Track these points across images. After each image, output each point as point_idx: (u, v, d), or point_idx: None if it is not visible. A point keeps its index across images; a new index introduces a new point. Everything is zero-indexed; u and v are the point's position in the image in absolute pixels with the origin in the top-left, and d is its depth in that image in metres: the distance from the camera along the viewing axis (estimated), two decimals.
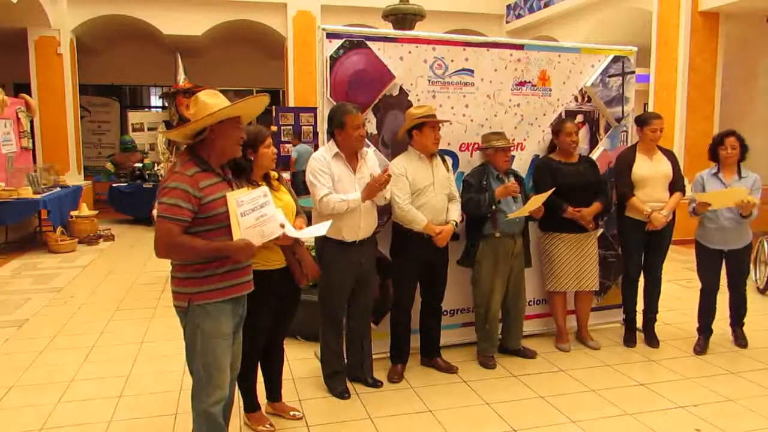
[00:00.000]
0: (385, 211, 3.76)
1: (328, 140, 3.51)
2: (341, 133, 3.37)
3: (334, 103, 3.69)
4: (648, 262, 4.37)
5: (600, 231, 4.39)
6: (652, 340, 4.41)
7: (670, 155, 4.33)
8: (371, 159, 3.59)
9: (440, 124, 3.73)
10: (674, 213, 4.29)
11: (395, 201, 3.60)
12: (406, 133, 3.70)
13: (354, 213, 3.38)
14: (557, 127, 4.26)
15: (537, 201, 3.85)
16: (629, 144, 4.65)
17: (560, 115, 4.44)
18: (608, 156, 4.52)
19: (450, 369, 3.91)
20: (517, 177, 4.03)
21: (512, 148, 4.08)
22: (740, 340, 4.39)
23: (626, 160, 4.28)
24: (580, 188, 4.13)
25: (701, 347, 4.29)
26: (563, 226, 4.18)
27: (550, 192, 3.90)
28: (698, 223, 4.29)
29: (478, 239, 3.91)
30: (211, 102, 2.41)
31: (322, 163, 3.38)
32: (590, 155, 4.49)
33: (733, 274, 4.30)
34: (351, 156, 3.44)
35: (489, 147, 3.93)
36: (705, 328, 4.36)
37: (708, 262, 4.27)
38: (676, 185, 4.25)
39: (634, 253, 4.34)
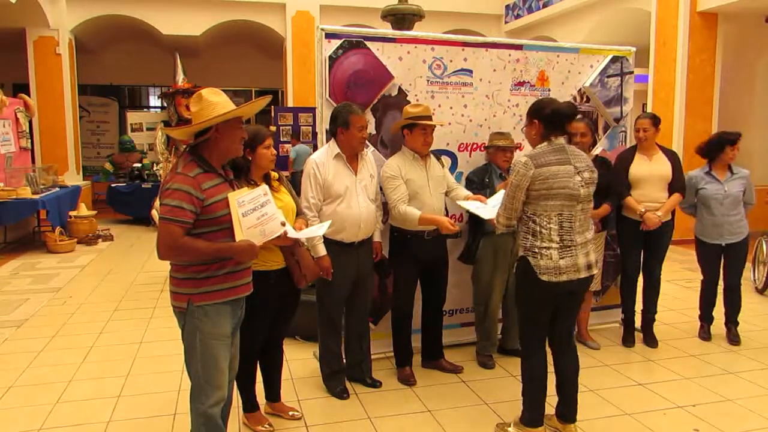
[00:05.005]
0: (386, 212, 3.76)
1: (329, 140, 3.51)
2: (345, 133, 3.37)
3: (334, 104, 3.69)
4: (646, 262, 4.38)
5: (604, 233, 4.37)
6: (650, 340, 4.41)
7: (671, 156, 4.32)
8: (371, 160, 3.59)
9: (433, 127, 3.62)
10: (673, 214, 4.30)
11: (391, 204, 3.55)
12: (399, 131, 3.68)
13: (355, 215, 3.39)
14: None
15: None
16: (628, 144, 4.66)
17: None
18: (607, 156, 4.52)
19: (455, 369, 3.91)
20: None
21: (514, 149, 4.07)
22: (734, 338, 4.45)
23: (624, 160, 4.29)
24: None
25: (707, 333, 4.54)
26: None
27: None
28: (696, 219, 4.48)
29: (478, 236, 3.91)
30: (216, 100, 2.41)
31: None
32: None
33: (729, 268, 4.43)
34: (352, 157, 3.43)
35: (491, 146, 3.95)
36: (707, 316, 4.57)
37: (708, 256, 4.46)
38: (675, 186, 4.24)
39: (631, 252, 4.35)
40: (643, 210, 4.16)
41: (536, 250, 2.84)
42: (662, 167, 4.24)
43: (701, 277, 4.56)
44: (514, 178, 2.83)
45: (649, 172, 4.21)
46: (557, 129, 2.88)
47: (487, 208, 3.45)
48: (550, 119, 2.88)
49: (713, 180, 4.33)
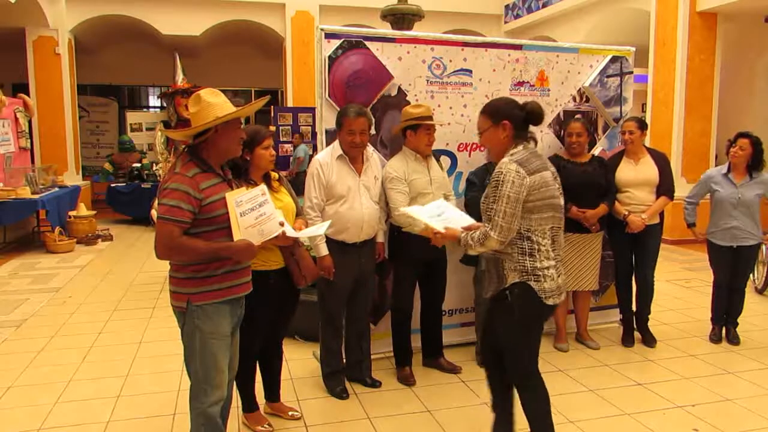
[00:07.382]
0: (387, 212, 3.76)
1: (333, 140, 3.51)
2: (338, 134, 3.38)
3: (333, 104, 3.71)
4: (638, 265, 4.40)
5: (602, 233, 4.37)
6: (649, 340, 4.42)
7: (659, 159, 4.31)
8: (376, 162, 3.58)
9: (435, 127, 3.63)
10: (662, 216, 4.32)
11: (392, 206, 3.54)
12: (400, 132, 3.67)
13: (358, 216, 3.39)
14: (565, 126, 4.29)
15: None
16: None
17: (558, 115, 4.45)
18: (606, 156, 4.52)
19: (454, 369, 3.91)
20: None
21: None
22: (733, 339, 4.44)
23: (612, 164, 4.32)
24: (585, 189, 4.11)
25: (717, 336, 4.48)
26: (567, 226, 4.17)
27: None
28: (709, 220, 4.42)
29: None
30: (215, 101, 2.41)
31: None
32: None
33: (737, 271, 4.38)
34: (355, 158, 3.42)
35: None
36: (718, 318, 4.52)
37: (719, 257, 4.40)
38: (662, 189, 4.25)
39: (622, 254, 4.39)
40: (626, 212, 4.18)
41: (538, 273, 2.47)
42: (648, 172, 4.24)
43: (712, 279, 4.52)
44: (510, 190, 2.40)
45: (634, 176, 4.22)
46: (526, 131, 2.59)
47: (436, 219, 2.79)
48: (525, 121, 2.57)
49: (728, 183, 4.28)
